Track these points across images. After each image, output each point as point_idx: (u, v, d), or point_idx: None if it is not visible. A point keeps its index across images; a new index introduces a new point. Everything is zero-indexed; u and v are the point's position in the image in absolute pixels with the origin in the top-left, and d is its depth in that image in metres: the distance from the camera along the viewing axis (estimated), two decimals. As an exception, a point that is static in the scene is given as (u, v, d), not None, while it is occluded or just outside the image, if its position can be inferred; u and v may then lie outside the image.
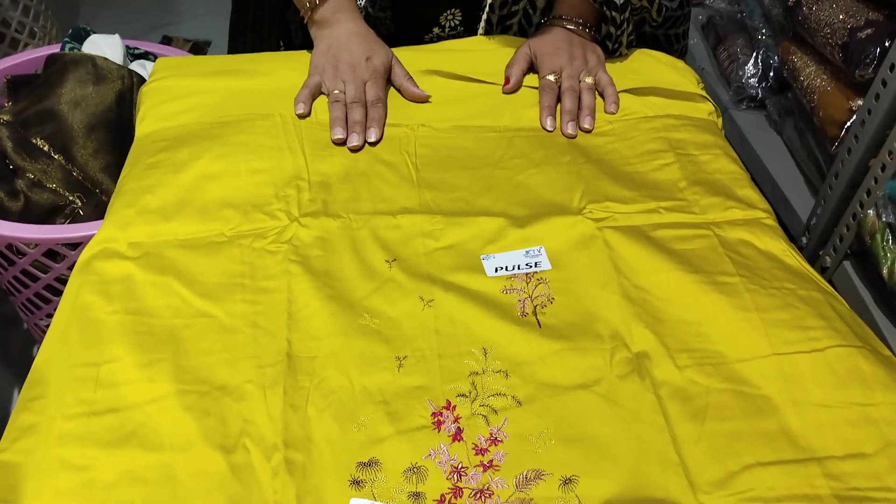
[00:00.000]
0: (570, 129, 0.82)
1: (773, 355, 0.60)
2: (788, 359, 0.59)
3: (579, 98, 0.84)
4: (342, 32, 0.85)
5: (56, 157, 1.12)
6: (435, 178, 0.76)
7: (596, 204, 0.73)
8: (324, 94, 0.84)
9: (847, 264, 0.95)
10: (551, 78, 0.85)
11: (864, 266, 0.92)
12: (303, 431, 0.56)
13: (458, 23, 0.95)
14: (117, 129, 1.13)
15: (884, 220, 0.84)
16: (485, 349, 0.62)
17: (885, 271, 0.84)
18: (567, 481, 0.53)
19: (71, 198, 1.14)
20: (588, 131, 0.82)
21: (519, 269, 0.69)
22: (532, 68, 0.89)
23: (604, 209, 0.72)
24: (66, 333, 0.63)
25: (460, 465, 0.54)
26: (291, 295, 0.65)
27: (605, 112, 0.84)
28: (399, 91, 0.86)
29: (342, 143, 0.79)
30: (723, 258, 0.68)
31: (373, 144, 0.79)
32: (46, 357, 0.62)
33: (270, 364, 0.60)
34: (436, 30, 0.95)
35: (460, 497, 0.53)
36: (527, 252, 0.70)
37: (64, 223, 1.10)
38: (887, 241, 0.84)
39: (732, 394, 0.58)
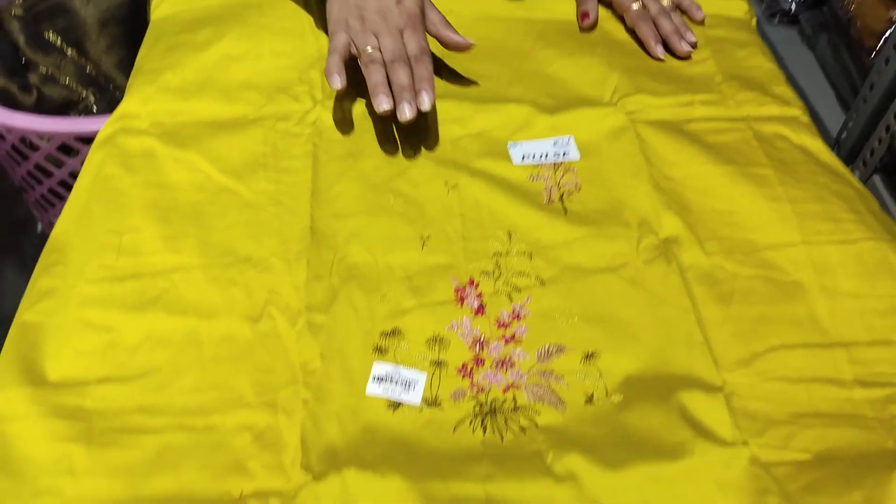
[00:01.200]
0: (685, 47, 0.76)
1: (803, 244, 0.59)
2: (819, 248, 0.58)
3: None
4: None
5: (69, 51, 1.11)
6: (463, 67, 0.75)
7: (629, 97, 0.71)
8: (353, 54, 0.68)
9: (876, 178, 0.93)
10: (637, 6, 0.79)
11: (893, 181, 0.91)
12: (327, 298, 0.56)
13: None
14: (131, 25, 1.11)
15: (918, 130, 0.82)
16: (509, 232, 0.61)
17: (915, 184, 0.83)
18: (589, 356, 0.53)
19: (84, 93, 1.13)
20: (695, 45, 0.77)
21: (546, 157, 0.67)
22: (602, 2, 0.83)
23: (637, 102, 0.70)
24: (87, 204, 0.63)
25: (482, 337, 0.54)
26: (315, 175, 0.65)
27: (695, 22, 0.81)
28: (436, 38, 0.71)
29: (390, 114, 0.64)
30: (757, 151, 0.66)
31: (426, 112, 0.64)
32: (65, 227, 0.62)
33: (295, 240, 0.60)
34: None
35: (482, 366, 0.53)
36: (555, 141, 0.68)
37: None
38: (920, 153, 0.83)
39: (761, 280, 0.57)
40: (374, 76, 0.64)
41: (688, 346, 0.53)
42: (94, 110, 1.11)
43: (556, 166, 0.67)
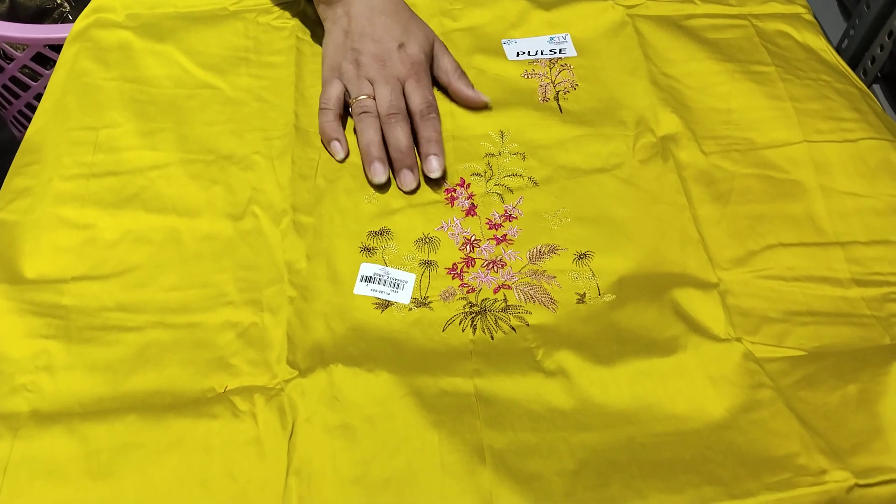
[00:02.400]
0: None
1: (804, 142, 0.57)
2: (819, 147, 0.57)
3: None
4: (361, 10, 0.60)
5: (42, -44, 1.05)
6: None
7: None
8: (347, 102, 0.59)
9: (876, 87, 0.91)
10: None
11: (893, 89, 0.89)
12: (312, 198, 0.54)
13: None
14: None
15: (923, 35, 0.79)
16: (502, 132, 0.59)
17: (917, 91, 0.81)
18: (582, 256, 0.52)
19: (59, 0, 1.08)
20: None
21: (542, 54, 0.65)
22: None
23: None
24: (61, 100, 0.60)
25: (473, 238, 0.53)
26: (300, 71, 0.62)
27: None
28: (446, 91, 0.61)
29: (386, 185, 0.55)
30: (758, 48, 0.64)
31: (436, 181, 0.55)
32: (39, 126, 0.59)
33: (278, 136, 0.58)
34: None
35: (472, 266, 0.51)
36: (551, 38, 0.65)
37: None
38: (923, 59, 0.80)
39: (759, 178, 0.55)
40: (365, 133, 0.55)
41: (682, 244, 0.52)
42: (70, 19, 1.06)
43: (551, 63, 0.64)
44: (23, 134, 1.16)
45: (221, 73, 0.61)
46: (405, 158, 0.55)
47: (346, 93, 0.59)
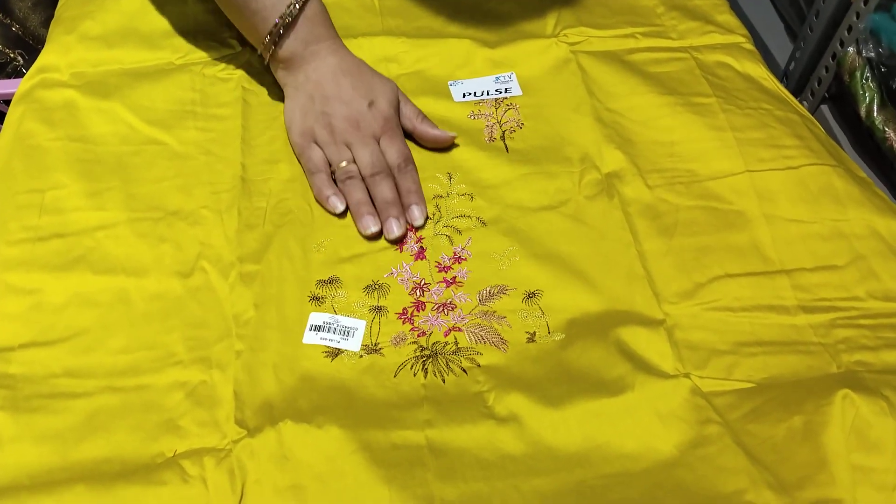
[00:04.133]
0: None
1: (746, 172, 0.58)
2: (761, 175, 0.58)
3: None
4: (324, 73, 0.60)
5: (-7, 13, 1.05)
6: (398, 5, 0.72)
7: (571, 29, 0.69)
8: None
9: (824, 108, 0.93)
10: None
11: (841, 109, 0.90)
12: (260, 246, 0.54)
13: None
14: (58, -22, 1.06)
15: (864, 55, 0.81)
16: (449, 173, 0.60)
17: (862, 110, 0.82)
18: (531, 295, 0.52)
19: (12, 54, 1.08)
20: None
21: (488, 94, 0.65)
22: None
23: (579, 33, 0.68)
24: (7, 163, 0.59)
25: (423, 282, 0.53)
26: (246, 122, 0.62)
27: None
28: (412, 135, 0.61)
29: (377, 236, 0.56)
30: (699, 80, 0.65)
31: (420, 228, 0.56)
32: None
33: (225, 189, 0.58)
34: None
35: (423, 310, 0.51)
36: (497, 78, 0.66)
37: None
38: (866, 79, 0.82)
39: (703, 210, 0.56)
40: (353, 195, 0.57)
41: (629, 280, 0.52)
42: (24, 72, 1.06)
43: (497, 103, 0.65)
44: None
45: (168, 128, 0.61)
46: (391, 209, 0.56)
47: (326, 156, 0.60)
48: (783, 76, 0.99)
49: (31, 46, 1.08)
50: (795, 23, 0.98)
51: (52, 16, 1.06)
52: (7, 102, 0.96)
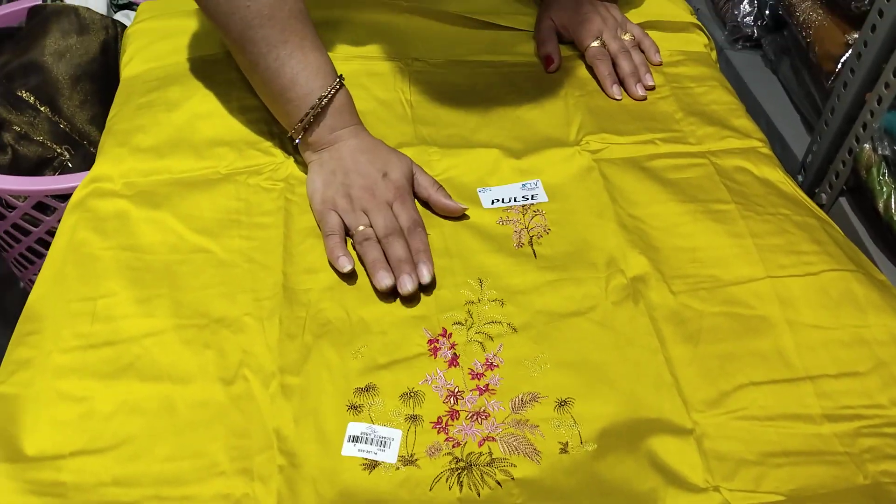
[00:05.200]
0: (640, 91, 0.78)
1: (767, 278, 0.60)
2: (782, 282, 0.60)
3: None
4: (345, 152, 0.67)
5: (42, 109, 1.11)
6: (430, 114, 0.76)
7: (593, 136, 0.72)
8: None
9: (843, 200, 0.95)
10: (597, 44, 0.80)
11: (859, 202, 0.93)
12: (299, 357, 0.56)
13: None
14: (103, 80, 1.12)
15: (879, 153, 0.83)
16: (480, 279, 0.62)
17: (880, 205, 0.84)
18: (563, 403, 0.54)
19: (59, 150, 1.13)
20: (652, 88, 0.79)
21: (515, 201, 0.68)
22: (561, 40, 0.84)
23: (600, 140, 0.72)
24: (61, 270, 0.63)
25: (457, 390, 0.55)
26: (287, 230, 0.65)
27: (652, 63, 0.82)
28: (427, 204, 0.68)
29: (392, 290, 0.61)
30: (718, 186, 0.67)
31: (427, 286, 0.61)
32: (41, 294, 0.62)
33: (267, 297, 0.60)
34: None
35: (457, 419, 0.53)
36: (523, 185, 0.69)
37: (53, 175, 1.09)
38: (883, 175, 0.84)
39: (726, 316, 0.58)
40: (370, 254, 0.62)
41: (658, 388, 0.54)
42: (70, 167, 1.11)
43: (524, 209, 0.68)
44: (23, 274, 1.20)
45: (214, 237, 0.64)
46: (404, 266, 0.61)
47: (343, 221, 0.66)
48: (801, 168, 1.02)
49: (78, 142, 1.13)
50: (812, 116, 1.01)
51: (98, 114, 1.13)
52: (58, 197, 1.02)
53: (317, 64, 0.67)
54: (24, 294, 1.37)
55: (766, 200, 0.67)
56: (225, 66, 0.79)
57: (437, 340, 0.58)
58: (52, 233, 1.08)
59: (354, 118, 0.69)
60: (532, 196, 0.69)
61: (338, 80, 0.68)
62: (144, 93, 0.78)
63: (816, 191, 0.96)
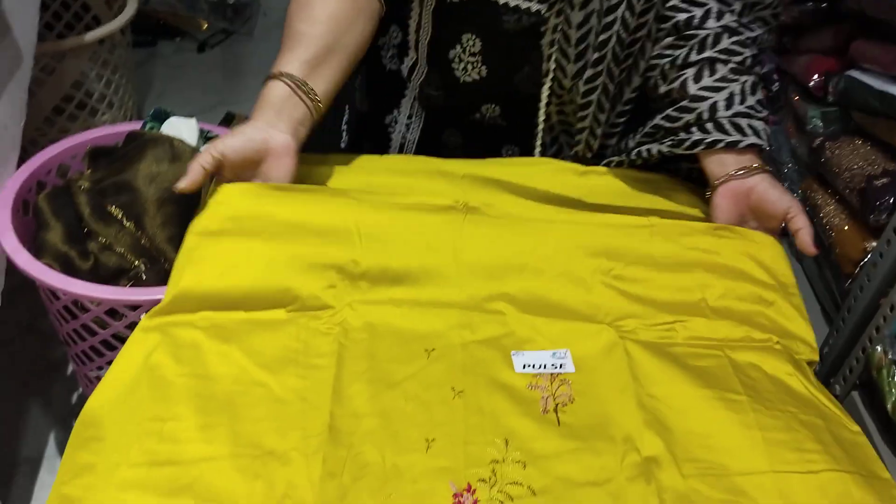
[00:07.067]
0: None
1: (771, 472, 0.65)
2: (785, 477, 0.65)
3: None
4: None
5: (127, 224, 1.22)
6: (477, 285, 0.82)
7: (621, 319, 0.79)
8: None
9: (855, 394, 0.99)
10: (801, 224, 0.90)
11: (871, 398, 0.97)
12: (336, 496, 0.62)
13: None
14: (185, 205, 1.23)
15: (890, 357, 0.89)
16: (507, 440, 0.68)
17: (889, 406, 0.89)
18: (574, 571, 0.58)
19: (136, 262, 1.23)
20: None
21: (545, 368, 0.75)
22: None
23: (627, 322, 0.79)
24: (134, 387, 0.69)
25: (477, 545, 0.60)
26: (339, 373, 0.72)
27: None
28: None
29: None
30: (731, 377, 0.73)
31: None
32: (103, 401, 0.68)
33: (314, 434, 0.67)
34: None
35: (476, 574, 0.58)
36: (554, 353, 0.76)
37: (127, 285, 1.18)
38: (892, 377, 0.89)
39: (730, 505, 0.63)
40: None
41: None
42: (144, 278, 1.21)
43: (552, 377, 0.74)
44: (79, 368, 1.28)
45: (273, 373, 0.72)
46: None
47: None
48: (819, 357, 1.07)
49: (154, 257, 1.23)
50: (832, 310, 1.08)
51: (175, 234, 1.23)
52: (129, 306, 1.11)
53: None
54: (71, 381, 1.45)
55: (775, 397, 0.72)
56: (300, 228, 0.84)
57: (462, 495, 0.63)
58: (116, 336, 1.16)
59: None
60: (561, 365, 0.75)
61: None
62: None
63: (831, 381, 1.01)
